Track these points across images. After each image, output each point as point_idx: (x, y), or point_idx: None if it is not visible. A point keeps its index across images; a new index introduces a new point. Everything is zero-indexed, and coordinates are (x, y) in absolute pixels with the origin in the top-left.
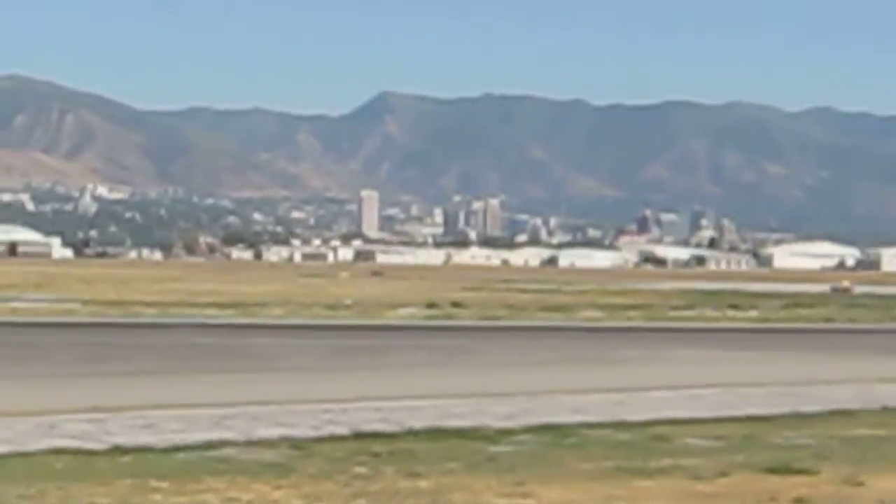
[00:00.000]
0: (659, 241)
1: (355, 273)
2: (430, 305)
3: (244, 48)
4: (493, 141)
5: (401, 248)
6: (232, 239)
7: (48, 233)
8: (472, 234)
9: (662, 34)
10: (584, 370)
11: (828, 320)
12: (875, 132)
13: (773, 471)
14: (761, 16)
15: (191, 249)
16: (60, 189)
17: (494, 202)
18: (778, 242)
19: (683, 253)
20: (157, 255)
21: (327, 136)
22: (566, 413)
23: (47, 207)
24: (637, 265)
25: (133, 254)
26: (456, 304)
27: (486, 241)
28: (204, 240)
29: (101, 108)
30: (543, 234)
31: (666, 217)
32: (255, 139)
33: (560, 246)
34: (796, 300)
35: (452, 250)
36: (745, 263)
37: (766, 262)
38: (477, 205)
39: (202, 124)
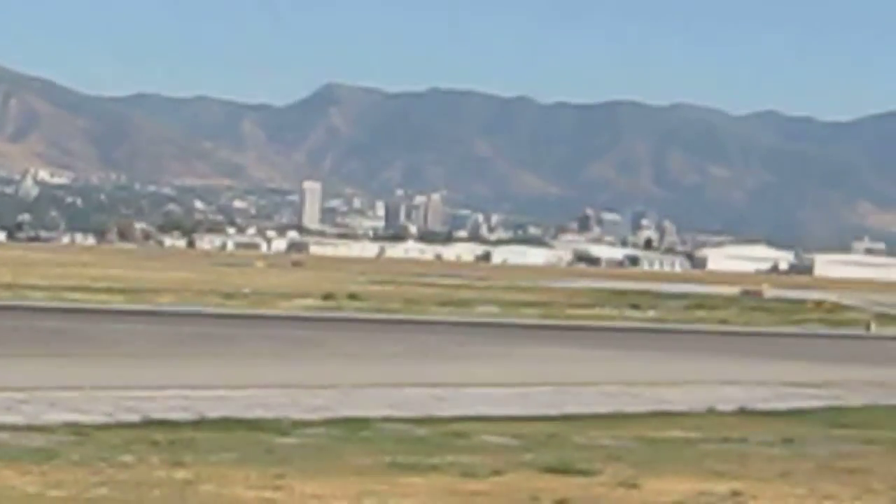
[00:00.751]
0: (600, 240)
1: (273, 263)
2: (327, 297)
3: (192, 35)
4: (438, 136)
5: (335, 240)
6: (167, 227)
7: None
8: (413, 229)
9: (610, 33)
10: (426, 364)
11: (722, 322)
12: (819, 137)
13: (552, 470)
14: (709, 18)
15: (124, 236)
16: (2, 172)
17: (436, 197)
18: (719, 245)
19: (617, 253)
20: (91, 241)
21: (272, 126)
22: (379, 407)
23: None
24: (570, 264)
25: (67, 239)
26: (353, 297)
27: (425, 236)
28: (139, 227)
29: (47, 93)
30: (484, 230)
31: (607, 216)
32: (200, 127)
33: (495, 243)
34: (699, 302)
35: (387, 244)
36: (678, 265)
37: (700, 264)
38: (419, 199)
39: (148, 111)
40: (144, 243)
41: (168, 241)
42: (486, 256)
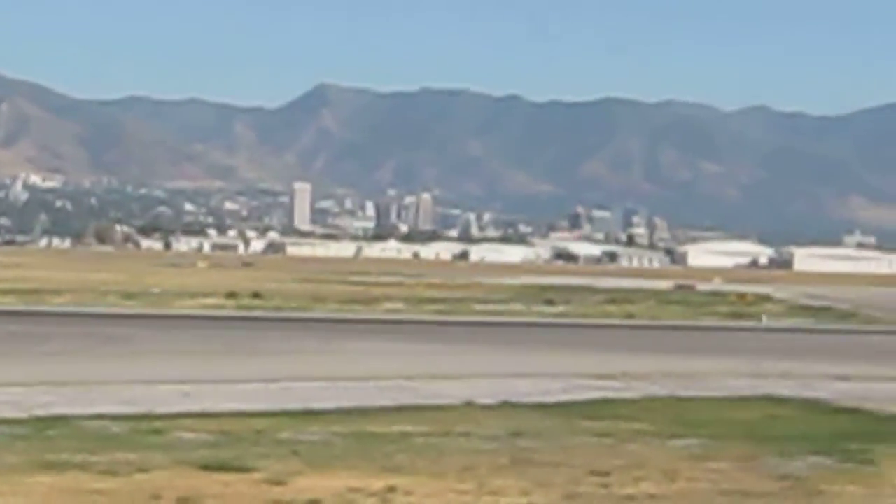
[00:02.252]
0: (589, 237)
1: (219, 264)
2: (230, 295)
3: (183, 38)
4: (431, 135)
5: (312, 241)
6: (148, 229)
7: None
8: (404, 228)
9: (600, 31)
10: (215, 361)
11: (628, 316)
12: (810, 132)
13: (210, 468)
14: (699, 15)
15: (102, 239)
16: None
17: (426, 196)
18: (710, 241)
19: (595, 249)
20: (67, 244)
21: (264, 127)
22: (105, 404)
23: None
24: (548, 261)
25: (44, 242)
26: (255, 295)
27: (413, 236)
28: (120, 229)
29: (38, 97)
30: (474, 229)
31: (598, 214)
32: (191, 130)
33: (476, 241)
34: (614, 296)
35: (366, 244)
36: (656, 261)
37: (680, 259)
38: (409, 199)
39: (139, 114)
40: (122, 246)
41: (146, 243)
42: (464, 255)
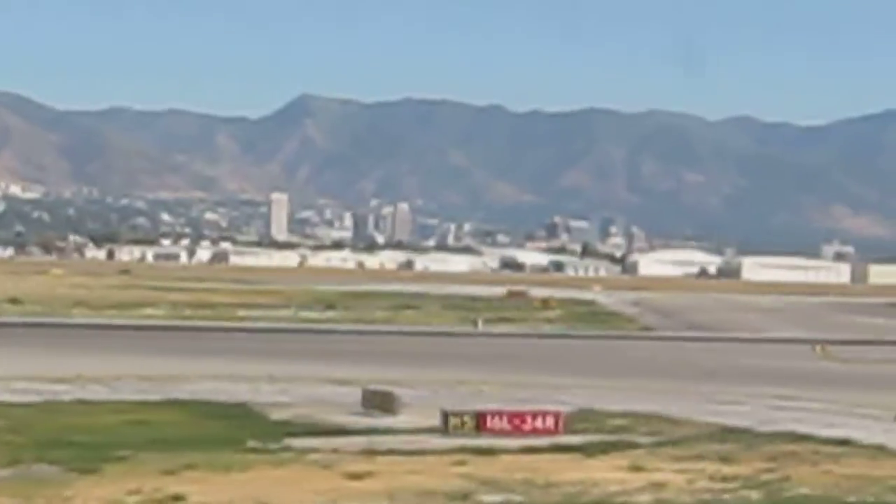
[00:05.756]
0: (563, 248)
1: (89, 271)
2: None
3: (166, 48)
4: (413, 145)
5: (256, 250)
6: (100, 239)
7: None
8: (380, 239)
9: (582, 42)
10: None
11: (388, 321)
12: (794, 141)
13: None
14: (682, 25)
15: (47, 248)
16: None
17: (404, 206)
18: (664, 250)
19: (542, 259)
20: (10, 253)
21: (246, 138)
22: None
23: None
24: (495, 270)
25: None
26: (13, 301)
27: (373, 246)
28: (73, 239)
29: (20, 108)
30: (451, 239)
31: (575, 224)
32: (173, 140)
33: (419, 251)
34: (404, 301)
35: (309, 253)
36: (603, 270)
37: (631, 269)
38: (387, 209)
39: (121, 125)
40: (69, 256)
41: (92, 253)
42: (409, 264)
